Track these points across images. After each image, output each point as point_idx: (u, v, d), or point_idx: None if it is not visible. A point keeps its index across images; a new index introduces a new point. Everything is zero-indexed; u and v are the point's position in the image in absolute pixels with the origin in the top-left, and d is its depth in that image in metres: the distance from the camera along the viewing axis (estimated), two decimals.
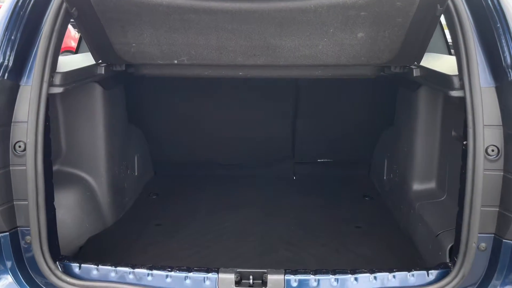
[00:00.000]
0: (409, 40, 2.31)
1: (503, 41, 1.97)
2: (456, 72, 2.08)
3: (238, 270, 2.02)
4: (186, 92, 3.75)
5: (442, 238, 2.32)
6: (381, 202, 3.36)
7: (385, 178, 3.45)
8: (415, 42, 2.35)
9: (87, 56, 2.83)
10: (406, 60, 2.51)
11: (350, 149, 3.90)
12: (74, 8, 2.10)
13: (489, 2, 2.05)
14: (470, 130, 1.93)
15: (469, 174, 1.93)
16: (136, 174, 3.52)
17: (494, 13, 2.01)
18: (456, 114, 2.52)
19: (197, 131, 3.87)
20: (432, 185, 2.81)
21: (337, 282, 1.99)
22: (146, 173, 3.76)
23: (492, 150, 1.93)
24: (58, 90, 2.12)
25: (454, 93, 2.07)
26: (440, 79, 2.25)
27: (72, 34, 9.14)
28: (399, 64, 2.56)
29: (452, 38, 2.09)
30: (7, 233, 2.04)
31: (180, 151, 3.92)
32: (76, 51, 3.70)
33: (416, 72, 2.54)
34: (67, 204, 2.68)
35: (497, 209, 1.95)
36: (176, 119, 3.84)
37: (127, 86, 3.33)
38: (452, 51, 3.09)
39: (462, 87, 2.00)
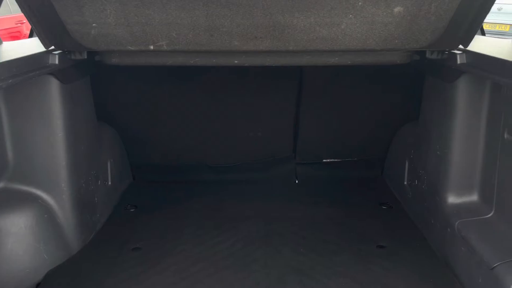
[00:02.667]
0: (459, 17, 1.77)
1: None
2: None
3: None
4: (169, 82, 3.16)
5: (501, 273, 1.82)
6: (402, 213, 2.85)
7: (406, 183, 2.94)
8: (465, 20, 1.81)
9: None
10: (449, 44, 1.97)
11: (361, 147, 3.38)
12: None
13: None
14: None
15: None
16: (109, 183, 2.93)
17: None
18: (510, 110, 1.99)
19: (183, 129, 3.29)
20: (473, 198, 2.30)
21: None
22: (122, 181, 3.18)
23: None
24: None
25: None
26: (501, 68, 1.71)
27: None
28: (440, 48, 2.02)
29: None
30: None
31: (163, 152, 3.34)
32: (30, 35, 3.06)
33: (461, 59, 2.01)
34: (18, 232, 2.13)
35: None
36: (158, 115, 3.25)
37: (94, 77, 2.72)
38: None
39: None
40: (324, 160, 3.44)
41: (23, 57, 1.83)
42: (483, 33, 3.11)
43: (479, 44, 2.30)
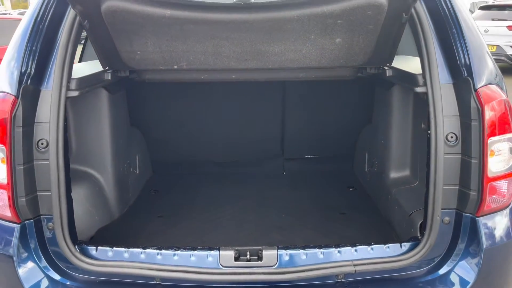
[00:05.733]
0: (381, 44, 2.64)
1: (458, 43, 2.32)
2: (421, 71, 2.41)
3: (237, 248, 2.31)
4: (182, 96, 4.05)
5: (414, 217, 2.64)
6: (363, 192, 3.69)
7: (366, 170, 3.78)
8: (386, 46, 2.68)
9: (93, 64, 3.12)
10: (379, 62, 2.84)
11: (335, 146, 4.23)
12: (86, 21, 2.38)
13: (446, 11, 2.40)
14: (432, 121, 2.26)
15: (432, 158, 2.25)
16: (137, 172, 3.79)
17: (450, 20, 2.36)
18: (424, 108, 2.85)
19: (193, 133, 4.17)
20: (406, 173, 3.14)
21: (323, 255, 2.30)
22: (146, 172, 4.04)
23: (451, 137, 2.26)
24: (74, 94, 2.41)
25: (419, 89, 2.40)
26: (408, 78, 2.59)
27: None
28: (373, 65, 2.90)
29: (416, 42, 2.43)
30: (32, 220, 2.31)
31: (177, 151, 4.21)
32: (80, 60, 3.99)
33: (388, 73, 2.88)
34: (78, 198, 2.94)
35: (457, 187, 2.27)
36: (173, 122, 4.14)
37: (128, 91, 3.62)
38: None
39: (425, 84, 2.34)
40: (306, 156, 4.29)
41: (92, 74, 2.72)
42: None
43: (410, 63, 3.18)
